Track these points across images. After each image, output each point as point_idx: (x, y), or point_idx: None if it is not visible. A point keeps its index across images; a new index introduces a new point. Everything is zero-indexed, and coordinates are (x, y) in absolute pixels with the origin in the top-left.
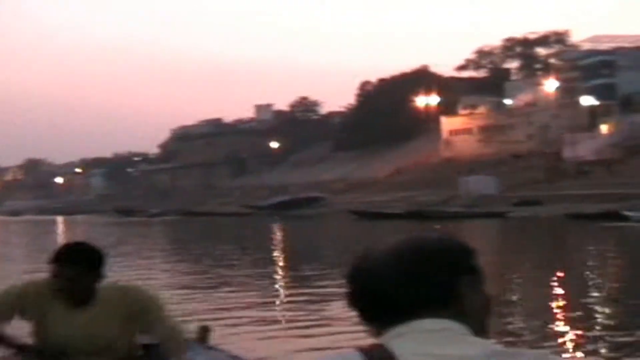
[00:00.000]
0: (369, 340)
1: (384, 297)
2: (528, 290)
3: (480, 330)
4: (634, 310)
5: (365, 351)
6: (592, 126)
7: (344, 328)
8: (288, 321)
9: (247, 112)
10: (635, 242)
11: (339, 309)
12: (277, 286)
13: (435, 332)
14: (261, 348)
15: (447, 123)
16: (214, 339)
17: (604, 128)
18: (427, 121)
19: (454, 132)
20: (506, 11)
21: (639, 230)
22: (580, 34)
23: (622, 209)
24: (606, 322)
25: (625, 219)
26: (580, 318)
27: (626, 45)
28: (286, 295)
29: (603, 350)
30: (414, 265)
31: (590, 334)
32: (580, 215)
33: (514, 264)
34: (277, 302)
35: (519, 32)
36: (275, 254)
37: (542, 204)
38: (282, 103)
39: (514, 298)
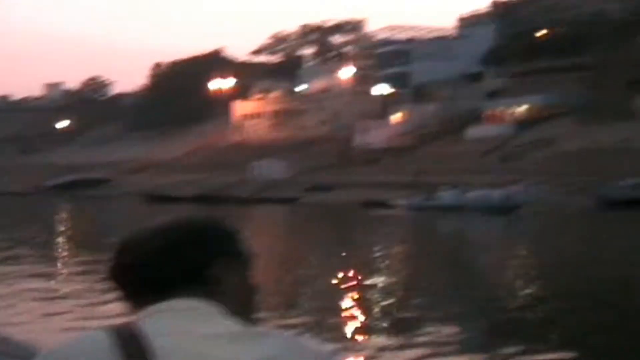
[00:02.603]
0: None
1: (140, 275)
2: (314, 275)
3: (244, 313)
4: (415, 295)
5: (115, 330)
6: (385, 114)
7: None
8: (65, 298)
9: (36, 90)
10: (409, 229)
11: (113, 293)
12: (55, 269)
13: (186, 311)
14: (36, 329)
15: (240, 107)
16: None
17: (396, 116)
18: (221, 104)
19: (247, 116)
20: None
21: (408, 217)
22: (377, 23)
23: (403, 197)
24: (388, 309)
25: (395, 207)
26: (364, 305)
27: (421, 35)
28: (64, 280)
29: (382, 337)
30: (170, 244)
31: (372, 320)
32: (370, 203)
33: (300, 249)
34: (55, 286)
35: (315, 19)
36: (56, 237)
37: (333, 189)
38: (73, 82)
39: (299, 282)
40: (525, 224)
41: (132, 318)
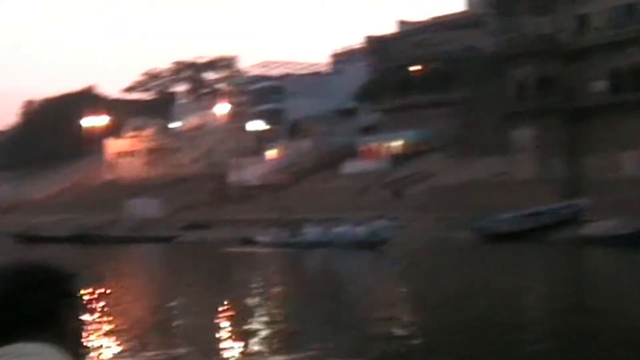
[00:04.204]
0: None
1: None
2: (191, 315)
3: (75, 353)
4: (286, 329)
5: None
6: (260, 151)
7: None
8: None
9: None
10: (275, 266)
11: None
12: None
13: (27, 356)
14: None
15: (113, 145)
16: None
17: (271, 152)
18: (94, 142)
19: (121, 154)
20: (176, 34)
21: (275, 253)
22: (250, 60)
23: (269, 234)
24: (264, 344)
25: (259, 243)
26: (239, 341)
27: (295, 71)
28: None
29: None
30: (12, 288)
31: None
32: (241, 240)
33: (176, 289)
34: None
35: (188, 56)
36: None
37: (209, 228)
38: None
39: (175, 322)
40: (391, 258)
41: None
